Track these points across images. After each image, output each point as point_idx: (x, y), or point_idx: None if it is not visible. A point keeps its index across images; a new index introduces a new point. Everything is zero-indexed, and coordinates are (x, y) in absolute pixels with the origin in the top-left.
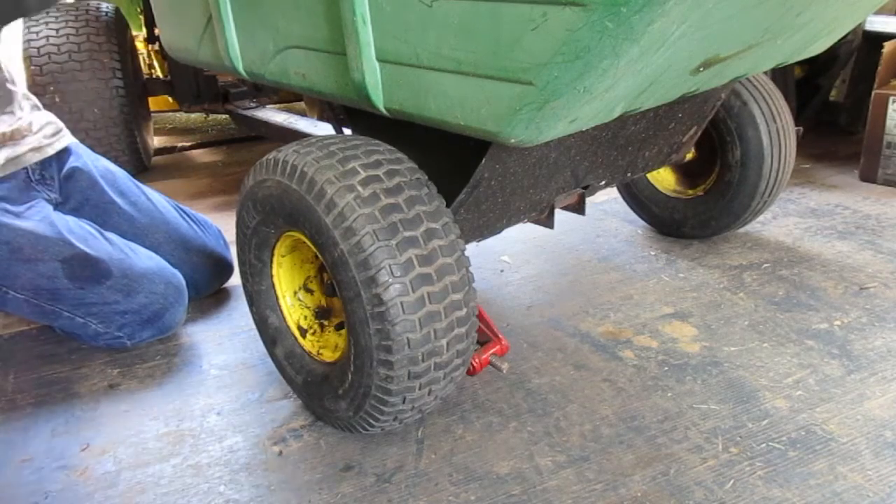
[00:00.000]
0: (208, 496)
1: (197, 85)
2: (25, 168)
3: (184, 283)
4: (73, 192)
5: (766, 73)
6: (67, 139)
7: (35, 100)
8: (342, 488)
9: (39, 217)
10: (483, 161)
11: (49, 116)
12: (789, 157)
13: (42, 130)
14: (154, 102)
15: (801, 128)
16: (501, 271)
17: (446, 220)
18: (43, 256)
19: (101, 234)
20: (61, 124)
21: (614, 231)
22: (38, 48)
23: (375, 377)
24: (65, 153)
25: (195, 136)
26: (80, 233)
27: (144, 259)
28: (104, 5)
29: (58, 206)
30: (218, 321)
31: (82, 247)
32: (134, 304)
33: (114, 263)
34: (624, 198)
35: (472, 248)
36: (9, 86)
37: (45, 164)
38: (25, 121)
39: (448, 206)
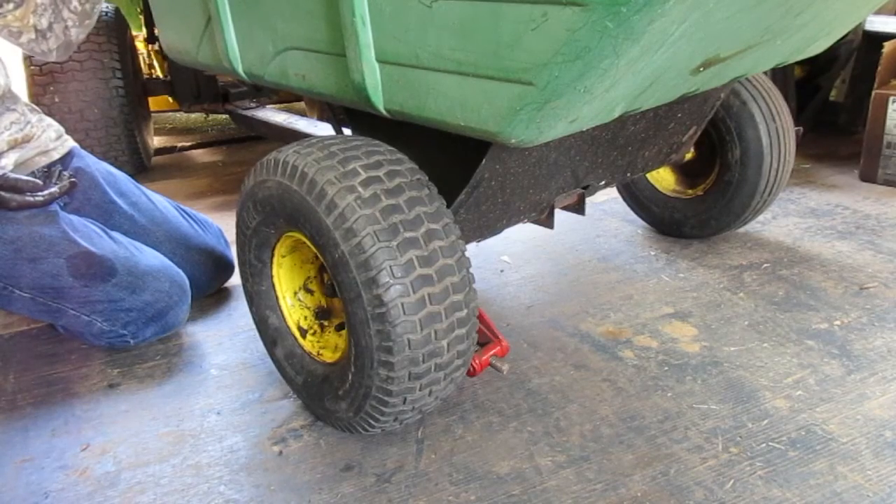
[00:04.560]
0: (208, 496)
1: (197, 85)
2: (33, 171)
3: (188, 282)
4: (76, 193)
5: (765, 72)
6: (70, 143)
7: (31, 105)
8: (342, 488)
9: (44, 216)
10: (483, 161)
11: (48, 119)
12: (789, 156)
13: (45, 133)
14: (154, 102)
15: (801, 128)
16: (501, 271)
17: (447, 221)
18: (47, 255)
19: (106, 232)
20: (62, 128)
21: (614, 231)
22: None
23: (376, 378)
24: (68, 156)
25: (195, 136)
26: (85, 231)
27: (150, 257)
28: (104, 5)
29: (63, 207)
30: (218, 321)
31: (87, 245)
32: (139, 302)
33: (119, 261)
34: (624, 198)
35: (472, 249)
36: (7, 87)
37: (50, 166)
38: (32, 124)
39: (448, 206)
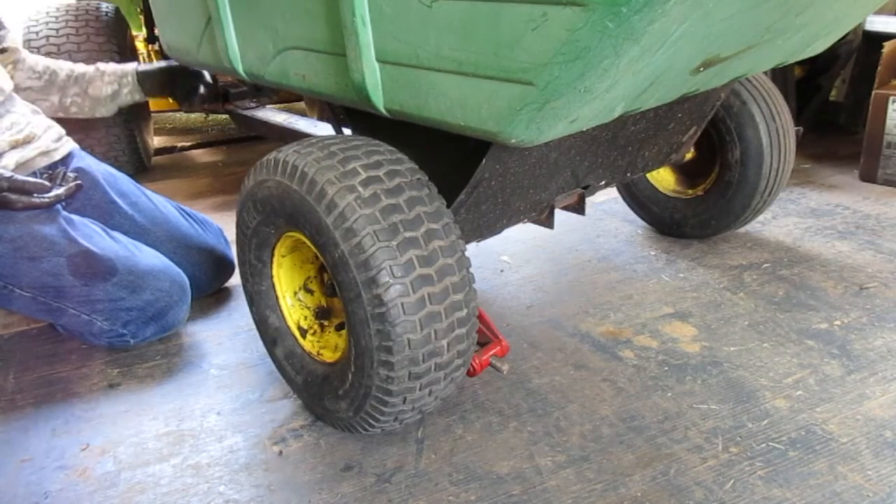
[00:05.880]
0: (208, 496)
1: None
2: (34, 172)
3: (188, 282)
4: (77, 193)
5: (765, 72)
6: (71, 144)
7: (34, 107)
8: (342, 488)
9: (45, 215)
10: (483, 161)
11: (49, 121)
12: (789, 156)
13: (46, 134)
14: (154, 102)
15: (801, 128)
16: (501, 271)
17: (447, 221)
18: (48, 254)
19: (107, 232)
20: (62, 130)
21: (614, 231)
22: (38, 48)
23: (376, 378)
24: (68, 157)
25: (195, 136)
26: (86, 231)
27: (150, 257)
28: (104, 5)
29: (64, 207)
30: (218, 321)
31: (87, 244)
32: (139, 301)
33: (119, 261)
34: (624, 198)
35: (472, 249)
36: (8, 90)
37: (51, 166)
38: (32, 126)
39: (448, 206)
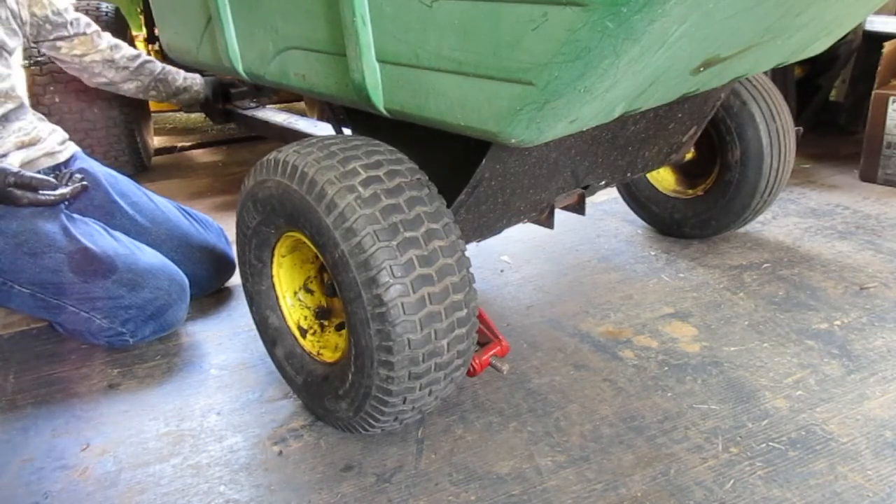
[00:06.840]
0: (208, 496)
1: None
2: (38, 171)
3: (187, 281)
4: (82, 194)
5: (765, 72)
6: (73, 147)
7: (40, 115)
8: (342, 488)
9: (48, 213)
10: (483, 161)
11: (53, 126)
12: (789, 156)
13: (51, 136)
14: (154, 103)
15: (801, 128)
16: (501, 271)
17: (447, 221)
18: (48, 250)
19: (108, 231)
20: (66, 134)
21: (614, 231)
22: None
23: (376, 378)
24: (71, 159)
25: (195, 136)
26: (86, 229)
27: (150, 256)
28: (104, 5)
29: (66, 207)
30: (218, 321)
31: (87, 242)
32: (138, 299)
33: (119, 258)
34: (624, 198)
35: (472, 249)
36: (23, 98)
37: (55, 168)
38: (39, 130)
39: (448, 206)
